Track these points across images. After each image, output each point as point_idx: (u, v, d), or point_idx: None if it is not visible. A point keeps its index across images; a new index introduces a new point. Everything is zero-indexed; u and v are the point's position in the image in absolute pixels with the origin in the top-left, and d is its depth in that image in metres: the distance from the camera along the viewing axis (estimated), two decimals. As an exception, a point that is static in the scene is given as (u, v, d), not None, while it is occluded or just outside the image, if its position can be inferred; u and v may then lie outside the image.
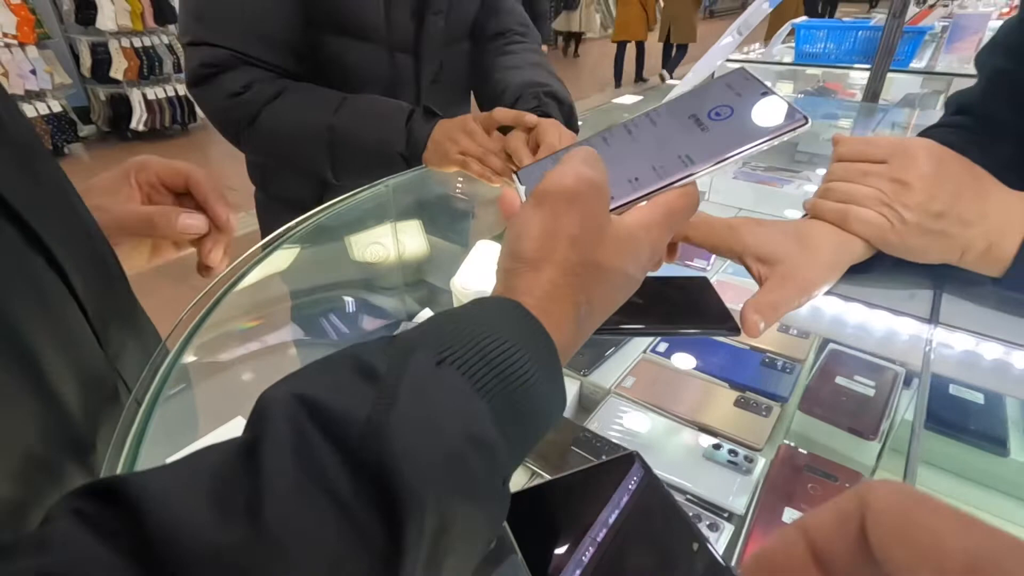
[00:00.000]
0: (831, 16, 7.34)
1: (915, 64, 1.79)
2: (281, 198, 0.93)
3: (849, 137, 0.49)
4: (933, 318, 0.51)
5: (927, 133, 0.63)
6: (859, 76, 1.65)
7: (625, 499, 0.34)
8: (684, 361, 0.67)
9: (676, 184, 0.27)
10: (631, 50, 6.86)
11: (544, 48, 1.19)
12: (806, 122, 0.27)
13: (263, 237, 0.76)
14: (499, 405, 0.21)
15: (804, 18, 2.28)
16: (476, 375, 0.21)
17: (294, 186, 0.90)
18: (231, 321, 0.62)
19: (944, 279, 0.52)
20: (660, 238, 0.28)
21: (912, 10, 2.13)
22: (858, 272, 0.46)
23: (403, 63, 0.83)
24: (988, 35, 2.50)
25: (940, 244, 0.45)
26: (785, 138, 0.27)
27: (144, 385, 0.46)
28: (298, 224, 0.74)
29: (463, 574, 0.21)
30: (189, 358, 0.52)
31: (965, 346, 0.50)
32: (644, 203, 0.28)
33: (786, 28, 2.04)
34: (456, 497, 0.19)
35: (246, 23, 0.72)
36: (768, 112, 0.27)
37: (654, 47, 6.99)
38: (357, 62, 0.79)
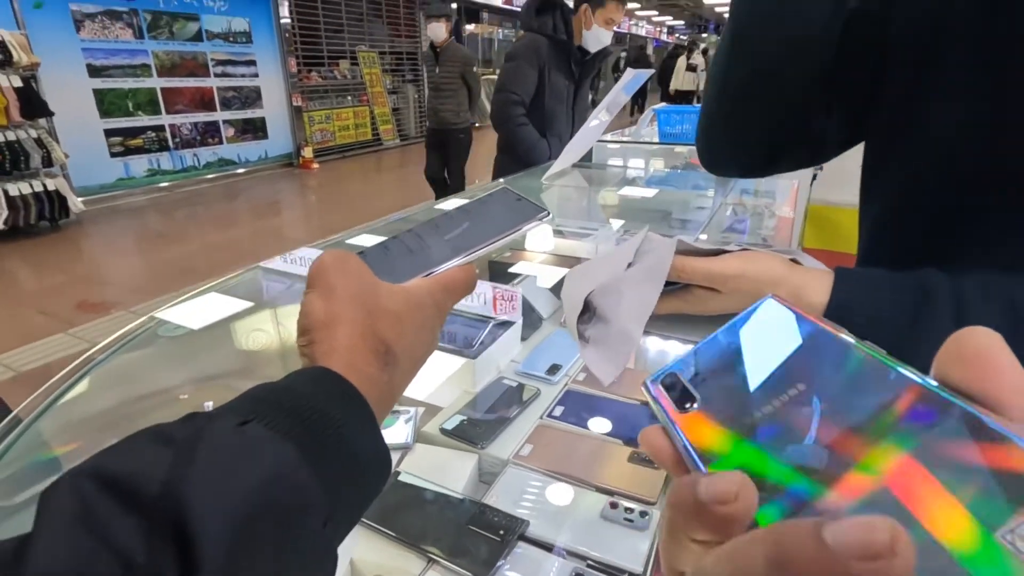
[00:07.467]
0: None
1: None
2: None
3: None
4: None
5: None
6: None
7: None
8: (579, 422, 0.67)
9: (452, 263, 0.35)
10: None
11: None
12: (547, 213, 0.37)
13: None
14: (308, 445, 0.21)
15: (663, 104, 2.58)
16: (281, 426, 0.21)
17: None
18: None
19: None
20: (442, 300, 0.33)
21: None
22: None
23: None
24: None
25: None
26: (533, 225, 0.37)
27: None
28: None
29: None
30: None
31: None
32: None
33: (648, 113, 2.31)
34: (265, 539, 0.19)
35: None
36: (519, 211, 0.38)
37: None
38: None
